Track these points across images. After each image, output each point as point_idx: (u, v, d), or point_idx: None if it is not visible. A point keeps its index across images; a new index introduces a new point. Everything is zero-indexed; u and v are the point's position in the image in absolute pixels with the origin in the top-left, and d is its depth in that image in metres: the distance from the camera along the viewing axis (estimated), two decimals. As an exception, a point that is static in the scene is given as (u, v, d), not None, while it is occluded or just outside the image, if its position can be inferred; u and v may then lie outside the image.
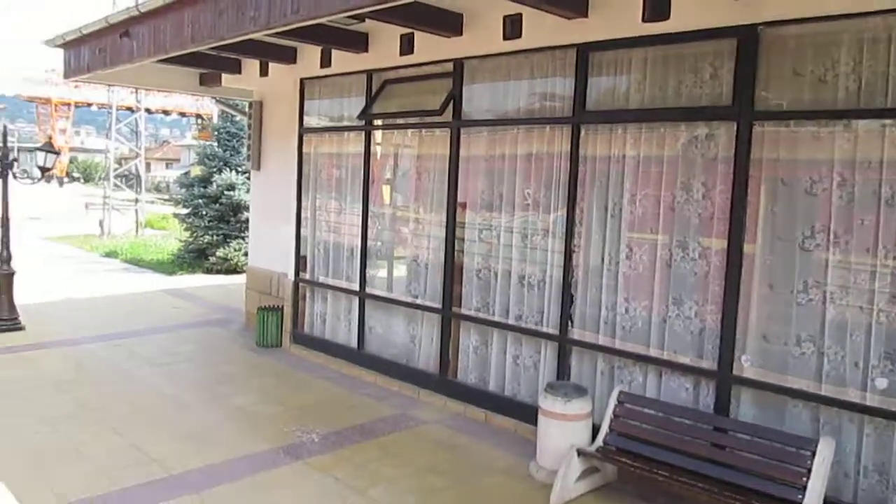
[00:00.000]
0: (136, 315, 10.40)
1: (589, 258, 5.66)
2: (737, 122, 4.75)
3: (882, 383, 4.29)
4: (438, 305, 6.74)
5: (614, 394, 5.05)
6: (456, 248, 6.63)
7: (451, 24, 6.17)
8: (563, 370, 5.78)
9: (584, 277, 5.69)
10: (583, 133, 5.61)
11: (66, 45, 8.59)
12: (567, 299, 5.74)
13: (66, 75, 9.17)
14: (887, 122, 4.22)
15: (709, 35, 4.87)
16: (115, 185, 26.07)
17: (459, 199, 6.58)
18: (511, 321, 6.18)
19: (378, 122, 7.53)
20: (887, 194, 4.23)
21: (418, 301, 7.03)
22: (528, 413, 5.74)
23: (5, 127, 9.35)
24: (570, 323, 5.75)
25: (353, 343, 7.73)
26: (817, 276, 4.50)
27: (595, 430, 5.06)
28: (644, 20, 5.01)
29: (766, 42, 4.65)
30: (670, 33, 4.98)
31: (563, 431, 5.00)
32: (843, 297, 4.43)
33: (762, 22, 4.60)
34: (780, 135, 4.66)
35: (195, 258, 15.40)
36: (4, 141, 9.04)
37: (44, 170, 9.71)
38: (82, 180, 61.53)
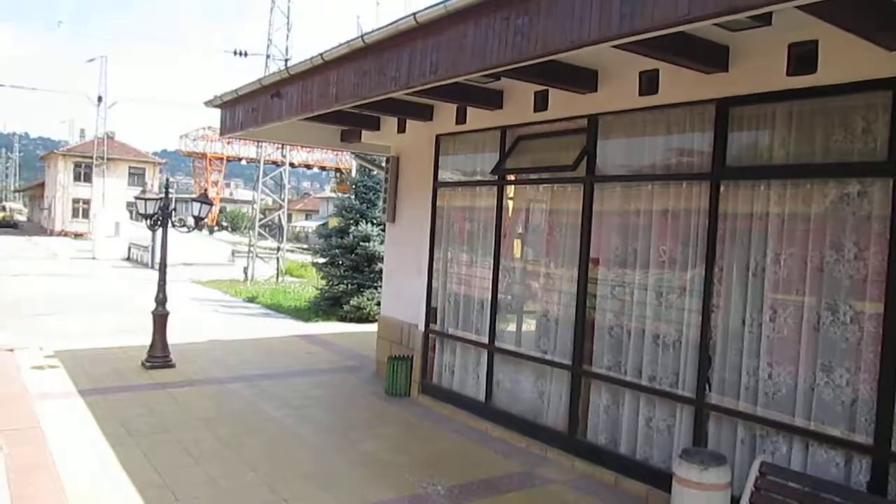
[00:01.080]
0: (274, 358, 10.90)
1: (728, 319, 5.41)
2: (892, 177, 4.46)
3: None
4: (568, 362, 6.64)
5: (756, 464, 4.74)
6: (587, 304, 6.54)
7: (585, 80, 6.20)
8: (699, 436, 5.50)
9: (722, 339, 5.44)
10: (722, 189, 5.44)
11: (223, 105, 9.34)
12: (704, 361, 5.50)
13: (222, 132, 9.96)
14: None
15: (860, 88, 4.63)
16: (260, 234, 27.64)
17: (592, 255, 6.51)
18: (644, 381, 5.97)
19: (511, 176, 7.63)
20: None
21: (548, 357, 6.95)
22: (661, 479, 5.49)
23: (167, 179, 10.23)
24: (707, 386, 5.49)
25: (481, 396, 7.72)
26: None
27: (734, 503, 4.77)
28: (789, 73, 4.86)
29: (927, 94, 4.36)
30: (818, 86, 4.77)
31: (699, 501, 4.74)
32: None
33: (922, 73, 4.33)
34: (945, 192, 4.33)
35: (330, 306, 15.99)
36: (167, 193, 9.87)
37: (198, 219, 10.48)
38: (230, 229, 65.73)
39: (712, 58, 5.20)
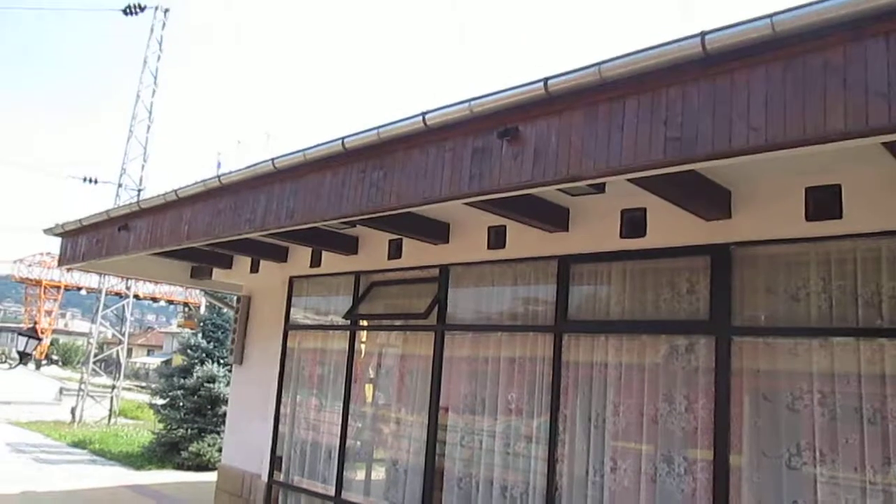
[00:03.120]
0: (97, 514, 9.81)
1: (573, 468, 5.50)
2: (715, 335, 4.84)
3: None
4: (418, 515, 6.43)
5: None
6: (437, 451, 6.45)
7: (437, 232, 6.44)
8: (547, 592, 5.41)
9: (568, 489, 5.49)
10: (564, 340, 5.68)
11: (65, 234, 8.86)
12: (551, 513, 5.50)
13: (61, 263, 9.37)
14: (861, 339, 4.32)
15: (684, 252, 5.09)
16: (94, 370, 25.65)
17: (442, 402, 6.51)
18: (493, 535, 5.87)
19: (364, 322, 7.62)
20: (868, 412, 4.23)
21: (396, 509, 6.71)
22: None
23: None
24: (554, 539, 5.47)
25: (326, 553, 7.27)
26: (806, 495, 4.37)
27: None
28: (622, 236, 5.29)
29: (739, 260, 4.85)
30: (647, 249, 5.21)
31: None
32: (835, 520, 4.28)
33: (733, 242, 4.83)
34: (759, 350, 4.74)
35: (166, 451, 14.80)
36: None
37: (23, 355, 9.62)
38: (61, 363, 60.64)
39: (554, 218, 5.58)
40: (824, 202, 4.44)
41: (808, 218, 4.48)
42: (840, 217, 4.37)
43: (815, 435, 4.38)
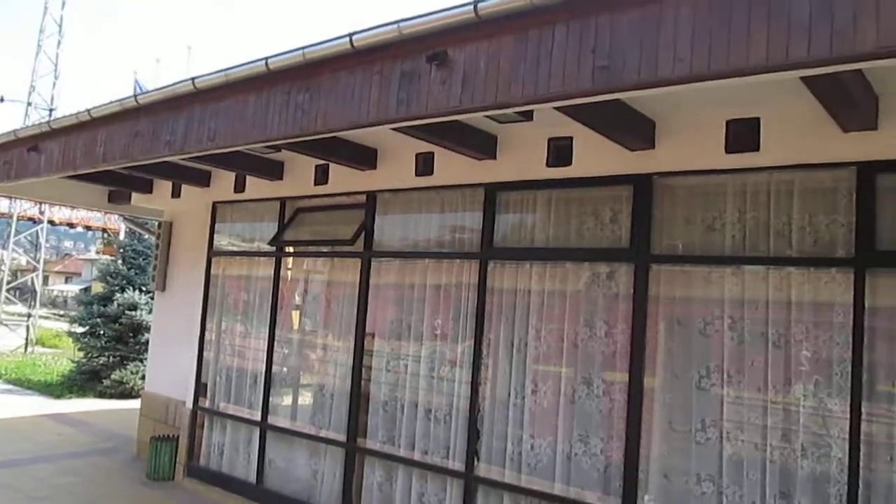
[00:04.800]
0: (14, 443, 9.60)
1: (496, 392, 5.66)
2: (635, 263, 4.99)
3: (778, 523, 4.36)
4: (343, 438, 6.54)
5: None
6: (363, 376, 6.53)
7: (365, 158, 6.35)
8: (468, 508, 5.63)
9: (490, 411, 5.67)
10: (490, 267, 5.76)
11: (-32, 157, 8.34)
12: (473, 434, 5.67)
13: (-36, 186, 8.85)
14: (771, 268, 4.53)
15: (608, 182, 5.18)
16: (8, 298, 24.73)
17: (368, 328, 6.55)
18: (417, 456, 6.03)
19: (289, 248, 7.53)
20: (773, 336, 4.47)
21: (322, 433, 6.80)
22: (432, 554, 5.51)
23: None
24: (476, 459, 5.66)
25: (252, 478, 7.33)
26: (714, 414, 4.64)
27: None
28: (548, 164, 5.33)
29: (660, 190, 4.97)
30: (572, 178, 5.28)
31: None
32: (738, 436, 4.55)
33: (655, 172, 4.94)
34: (675, 277, 4.92)
35: (87, 380, 14.51)
36: None
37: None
38: (-29, 292, 58.13)
39: (482, 146, 5.57)
40: (743, 135, 4.56)
41: (728, 150, 4.60)
42: (758, 150, 4.50)
43: (724, 358, 4.62)
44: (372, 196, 6.61)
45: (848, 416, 4.15)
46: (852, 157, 4.24)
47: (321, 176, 6.90)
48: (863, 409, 4.11)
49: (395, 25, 4.13)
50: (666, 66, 3.24)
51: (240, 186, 7.77)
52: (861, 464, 4.09)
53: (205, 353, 8.16)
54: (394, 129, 4.76)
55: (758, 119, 4.51)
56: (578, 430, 5.18)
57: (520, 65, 3.72)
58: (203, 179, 8.03)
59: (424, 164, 6.09)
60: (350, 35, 4.33)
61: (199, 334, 8.19)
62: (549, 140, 5.35)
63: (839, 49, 2.83)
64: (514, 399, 5.54)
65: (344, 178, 6.70)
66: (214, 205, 8.21)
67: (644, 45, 3.30)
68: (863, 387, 4.12)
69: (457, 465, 5.76)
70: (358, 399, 6.51)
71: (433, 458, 5.93)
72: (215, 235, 8.24)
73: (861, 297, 4.18)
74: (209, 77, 5.14)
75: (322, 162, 6.76)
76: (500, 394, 5.63)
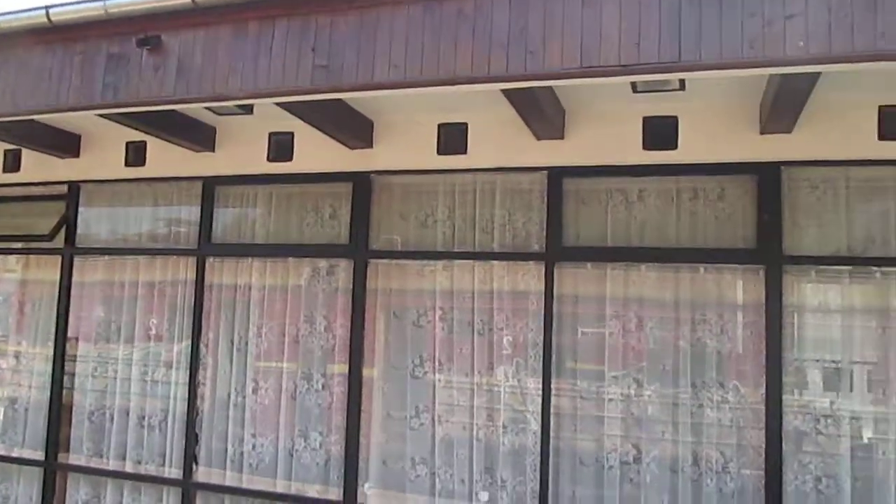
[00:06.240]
0: None
1: (216, 392, 5.48)
2: (354, 259, 5.13)
3: (484, 496, 4.76)
4: (41, 456, 5.88)
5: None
6: (65, 385, 5.93)
7: (66, 144, 5.79)
8: (187, 518, 5.38)
9: (209, 413, 5.47)
10: (208, 263, 5.56)
11: None
12: (192, 437, 5.43)
13: None
14: (476, 261, 4.92)
15: (328, 178, 5.26)
16: None
17: (70, 332, 5.97)
18: (129, 468, 5.62)
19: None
20: (479, 325, 4.87)
21: (14, 453, 6.04)
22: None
23: None
24: (195, 464, 5.43)
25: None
26: (427, 400, 4.93)
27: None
28: (269, 159, 5.29)
29: (378, 188, 5.17)
30: (293, 173, 5.28)
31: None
32: (449, 419, 4.90)
33: (373, 170, 5.11)
34: (392, 272, 5.14)
35: None
36: None
37: None
38: None
39: (200, 137, 5.37)
40: (453, 138, 4.93)
41: (440, 151, 4.93)
42: (465, 153, 4.88)
43: (436, 347, 4.95)
44: (75, 187, 6.02)
45: (541, 392, 4.66)
46: (544, 162, 4.76)
47: (12, 162, 6.13)
48: (552, 386, 4.66)
49: (102, 3, 3.87)
50: (382, 70, 3.43)
51: None
52: (552, 434, 4.63)
53: None
54: (100, 115, 4.41)
55: (466, 124, 4.88)
56: (299, 426, 5.21)
57: (239, 58, 3.73)
58: None
59: (136, 154, 5.69)
60: (47, 8, 3.98)
61: None
62: (271, 135, 5.30)
63: (532, 67, 3.23)
64: (234, 398, 5.41)
65: (41, 166, 6.01)
66: None
67: (362, 49, 3.47)
68: (552, 366, 4.66)
69: (174, 472, 5.47)
70: (59, 411, 5.90)
71: (147, 468, 5.57)
72: None
73: (551, 287, 4.71)
74: None
75: (12, 147, 6.02)
76: (221, 394, 5.46)
